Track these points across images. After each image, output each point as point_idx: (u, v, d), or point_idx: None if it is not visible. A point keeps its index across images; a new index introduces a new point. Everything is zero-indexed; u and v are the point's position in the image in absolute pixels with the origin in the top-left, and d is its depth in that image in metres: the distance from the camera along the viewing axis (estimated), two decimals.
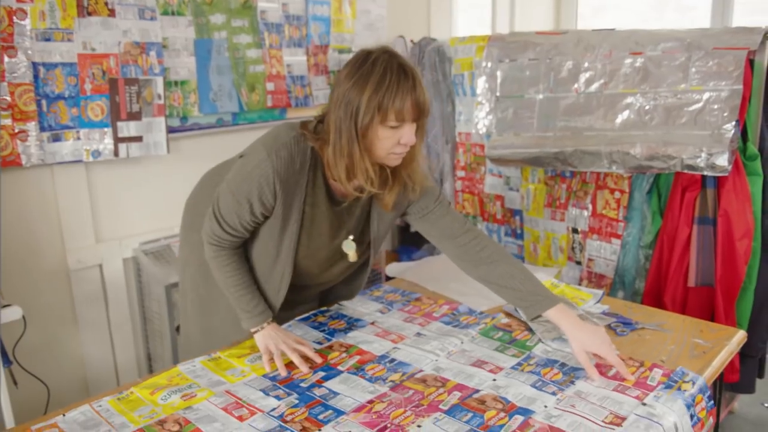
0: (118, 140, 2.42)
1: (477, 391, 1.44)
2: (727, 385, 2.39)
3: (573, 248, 2.79)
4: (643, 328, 1.75)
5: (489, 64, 2.96)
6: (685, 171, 2.31)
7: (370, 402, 1.41)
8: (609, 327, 1.75)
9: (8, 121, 2.17)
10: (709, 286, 2.35)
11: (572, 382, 1.47)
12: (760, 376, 2.50)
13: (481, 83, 3.01)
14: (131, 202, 2.58)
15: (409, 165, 1.58)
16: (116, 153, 2.43)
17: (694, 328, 1.75)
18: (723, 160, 2.21)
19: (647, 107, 2.43)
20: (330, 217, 1.64)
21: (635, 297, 2.58)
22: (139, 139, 2.47)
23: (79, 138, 2.34)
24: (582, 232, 2.74)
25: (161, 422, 1.35)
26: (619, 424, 1.29)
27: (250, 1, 2.76)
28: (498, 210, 3.11)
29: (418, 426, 1.31)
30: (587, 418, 1.32)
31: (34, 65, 2.20)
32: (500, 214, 3.11)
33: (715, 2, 3.83)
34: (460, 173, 3.24)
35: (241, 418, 1.36)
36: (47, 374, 2.29)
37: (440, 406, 1.38)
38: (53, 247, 2.39)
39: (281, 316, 1.79)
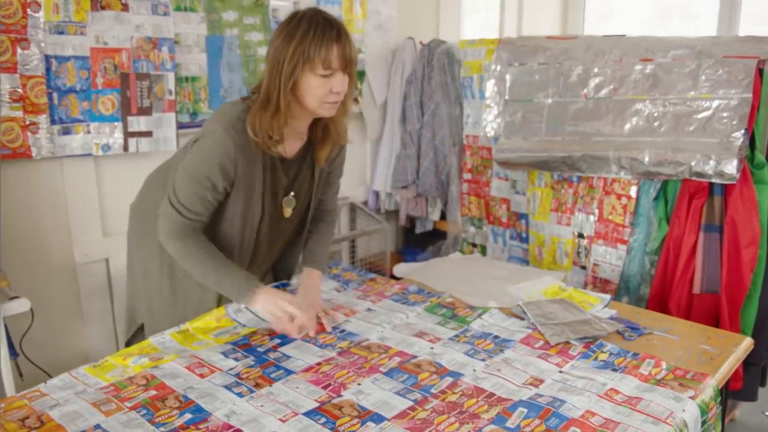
0: (128, 135, 2.42)
1: (415, 357, 1.60)
2: (730, 393, 2.39)
3: (578, 253, 2.80)
4: (651, 333, 1.75)
5: (498, 68, 2.97)
6: (693, 178, 2.32)
7: (318, 364, 1.57)
8: (617, 332, 1.75)
9: (19, 113, 2.18)
10: (714, 293, 2.36)
11: (501, 351, 1.64)
12: (762, 384, 2.51)
13: (490, 86, 3.02)
14: None
15: (341, 117, 1.68)
16: (126, 147, 2.43)
17: (701, 335, 1.75)
18: (731, 168, 2.22)
19: (656, 114, 2.44)
20: (285, 179, 1.72)
21: (640, 303, 2.58)
22: (148, 134, 2.47)
23: (89, 132, 2.34)
24: (588, 237, 2.75)
25: (130, 378, 1.49)
26: (536, 386, 1.47)
27: None
28: (504, 213, 3.11)
29: (358, 384, 1.48)
30: (508, 380, 1.49)
31: (47, 58, 2.21)
32: (506, 218, 3.11)
33: (722, 10, 3.84)
34: (467, 176, 3.25)
35: (201, 376, 1.51)
36: (52, 366, 2.29)
37: (380, 369, 1.55)
38: (60, 240, 2.40)
39: None
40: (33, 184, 2.29)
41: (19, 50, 2.14)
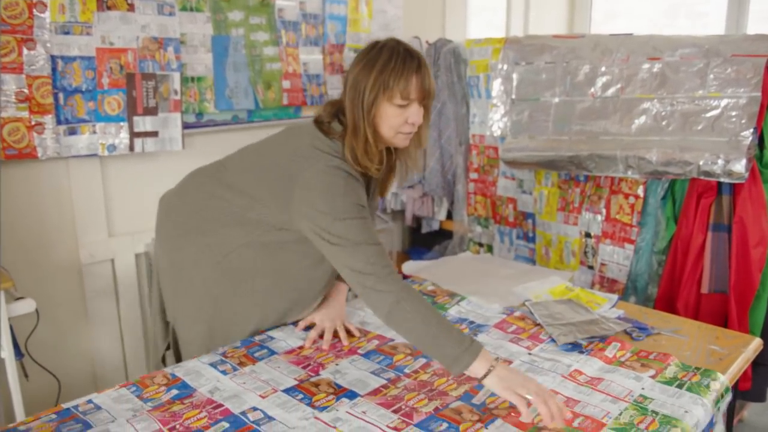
0: (133, 135, 2.42)
1: (392, 339, 1.73)
2: (739, 393, 2.37)
3: (585, 252, 2.78)
4: (659, 334, 1.74)
5: (505, 67, 2.96)
6: (702, 177, 2.30)
7: (300, 347, 1.68)
8: (625, 332, 1.74)
9: (25, 114, 2.18)
10: (722, 293, 2.34)
11: (475, 335, 1.75)
12: None
13: (497, 85, 3.01)
14: (145, 197, 2.57)
15: (417, 148, 1.66)
16: (131, 148, 2.43)
17: (710, 335, 1.74)
18: (740, 167, 2.20)
19: (664, 113, 2.42)
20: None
21: (647, 302, 2.57)
22: (154, 134, 2.47)
23: (95, 132, 2.34)
24: (595, 237, 2.73)
25: None
26: None
27: None
28: (510, 213, 3.10)
29: (336, 365, 1.59)
30: None
31: (53, 58, 2.21)
32: (512, 217, 3.10)
33: (729, 9, 3.81)
34: (473, 175, 3.24)
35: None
36: (58, 367, 2.29)
37: (358, 351, 1.67)
38: (66, 241, 2.40)
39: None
40: (38, 185, 2.29)
41: (25, 51, 2.14)
